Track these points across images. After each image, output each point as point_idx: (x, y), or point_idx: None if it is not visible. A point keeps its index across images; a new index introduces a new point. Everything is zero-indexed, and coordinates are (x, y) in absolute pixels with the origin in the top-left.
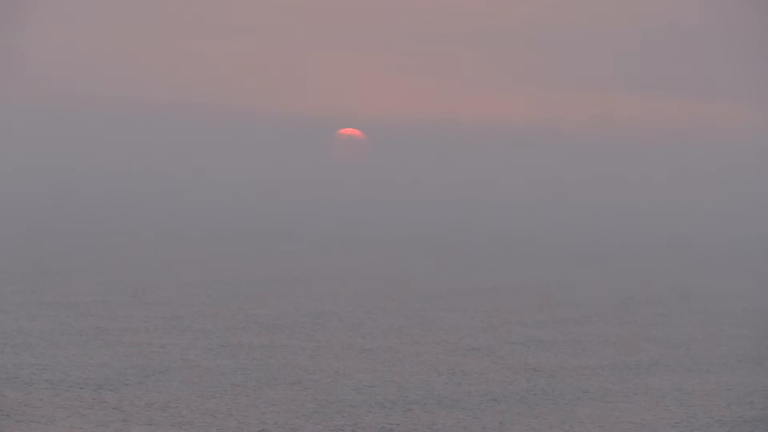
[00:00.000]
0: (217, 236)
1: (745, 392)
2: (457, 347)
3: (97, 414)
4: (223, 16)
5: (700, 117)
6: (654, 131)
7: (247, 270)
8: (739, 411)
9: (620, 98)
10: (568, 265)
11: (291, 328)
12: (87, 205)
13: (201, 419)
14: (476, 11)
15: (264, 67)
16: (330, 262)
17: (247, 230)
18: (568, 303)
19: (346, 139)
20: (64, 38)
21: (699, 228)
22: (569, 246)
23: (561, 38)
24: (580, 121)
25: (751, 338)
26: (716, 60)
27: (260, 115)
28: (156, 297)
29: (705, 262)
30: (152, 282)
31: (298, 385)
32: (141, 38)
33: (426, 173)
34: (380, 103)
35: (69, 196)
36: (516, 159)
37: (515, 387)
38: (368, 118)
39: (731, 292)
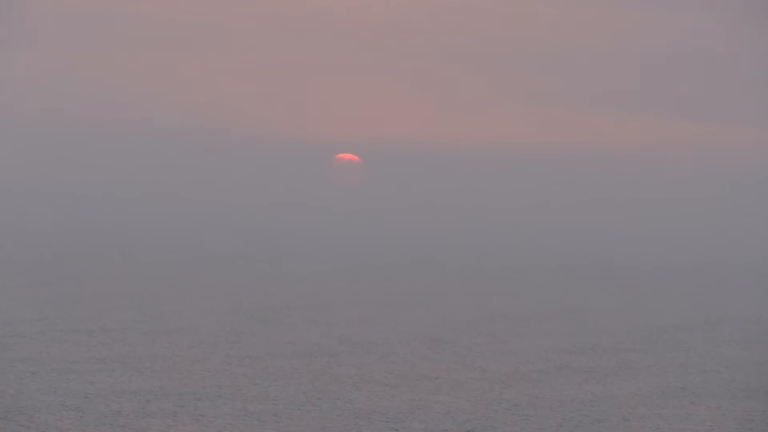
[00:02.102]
0: (228, 261)
1: None
2: (493, 375)
3: None
4: (224, 42)
5: (707, 139)
6: (658, 153)
7: (268, 295)
8: None
9: (623, 120)
10: (589, 291)
11: (325, 354)
12: (92, 228)
13: None
14: (474, 34)
15: (263, 92)
16: (348, 287)
17: (258, 255)
18: (595, 329)
19: (345, 164)
20: (69, 63)
21: (710, 250)
22: (583, 270)
23: (561, 60)
24: (579, 143)
25: None
26: (727, 82)
27: (261, 140)
28: (182, 323)
29: (723, 284)
30: (175, 308)
31: (339, 413)
32: (141, 63)
33: (423, 197)
34: (376, 128)
35: (80, 219)
36: (514, 181)
37: (555, 416)
38: (364, 142)
39: (755, 318)
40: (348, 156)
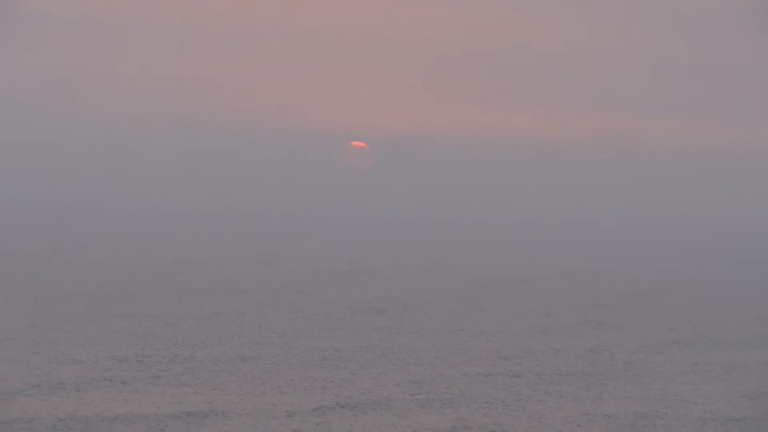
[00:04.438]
0: (271, 233)
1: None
2: (515, 327)
3: (248, 383)
4: (250, 45)
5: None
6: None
7: (312, 261)
8: (764, 386)
9: (608, 116)
10: (586, 257)
11: (369, 309)
12: (153, 211)
13: (323, 385)
14: (474, 33)
15: (281, 88)
16: (377, 255)
17: (293, 228)
18: (601, 290)
19: (359, 151)
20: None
21: (675, 224)
22: (579, 241)
23: (554, 58)
24: (566, 135)
25: (757, 320)
26: (689, 80)
27: (286, 131)
28: (250, 285)
29: (698, 252)
30: (244, 272)
31: (381, 358)
32: (167, 63)
33: (422, 177)
34: (382, 119)
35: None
36: (504, 167)
37: (568, 361)
38: (372, 132)
39: (727, 280)
40: (359, 143)
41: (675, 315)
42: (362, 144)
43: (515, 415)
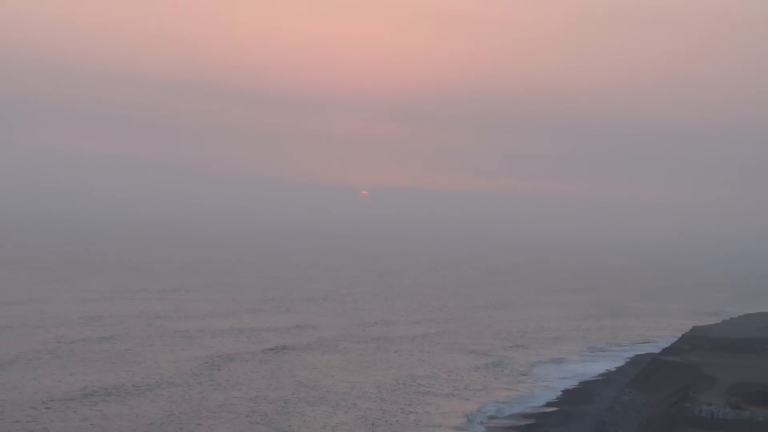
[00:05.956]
0: (326, 238)
1: (589, 303)
2: (455, 284)
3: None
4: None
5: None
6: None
7: (351, 251)
8: (592, 312)
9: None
10: (487, 250)
11: (383, 274)
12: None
13: (354, 311)
14: (453, 98)
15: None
16: (380, 249)
17: (338, 236)
18: (492, 266)
19: (365, 196)
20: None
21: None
22: (484, 244)
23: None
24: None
25: (568, 280)
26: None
27: (321, 185)
28: (322, 261)
29: (533, 250)
30: (317, 254)
31: (392, 299)
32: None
33: (400, 212)
34: (376, 176)
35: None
36: (448, 208)
37: (482, 302)
38: (370, 184)
39: (552, 261)
40: (365, 192)
41: (532, 278)
42: (366, 192)
43: (449, 327)
